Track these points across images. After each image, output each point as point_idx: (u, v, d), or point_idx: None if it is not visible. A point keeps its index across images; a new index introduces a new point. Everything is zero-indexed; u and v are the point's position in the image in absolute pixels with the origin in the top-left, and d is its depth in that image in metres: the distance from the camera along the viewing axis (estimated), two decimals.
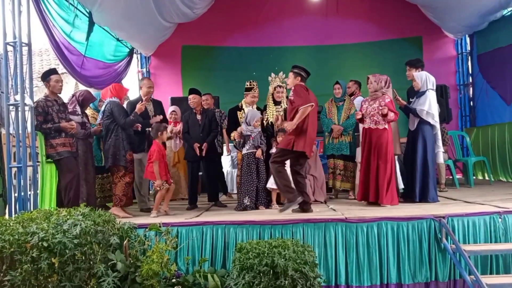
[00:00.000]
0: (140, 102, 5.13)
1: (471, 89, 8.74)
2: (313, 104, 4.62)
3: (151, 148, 4.93)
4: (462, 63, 8.83)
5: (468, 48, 8.73)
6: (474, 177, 7.47)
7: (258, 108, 5.61)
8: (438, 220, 4.12)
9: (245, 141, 5.19)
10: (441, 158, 5.34)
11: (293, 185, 4.68)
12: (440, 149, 5.28)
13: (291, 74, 4.84)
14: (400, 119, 5.58)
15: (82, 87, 6.75)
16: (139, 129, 5.19)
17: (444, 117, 6.62)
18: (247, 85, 5.52)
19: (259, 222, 4.23)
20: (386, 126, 5.00)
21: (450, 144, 7.13)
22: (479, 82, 8.32)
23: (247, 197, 5.10)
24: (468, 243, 4.12)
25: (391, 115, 4.97)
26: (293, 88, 4.77)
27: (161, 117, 5.49)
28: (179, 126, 6.05)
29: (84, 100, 5.22)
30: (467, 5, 7.21)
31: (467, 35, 8.60)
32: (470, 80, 8.72)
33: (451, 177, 6.82)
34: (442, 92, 6.91)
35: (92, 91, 5.82)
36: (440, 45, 8.83)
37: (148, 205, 5.42)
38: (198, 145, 5.45)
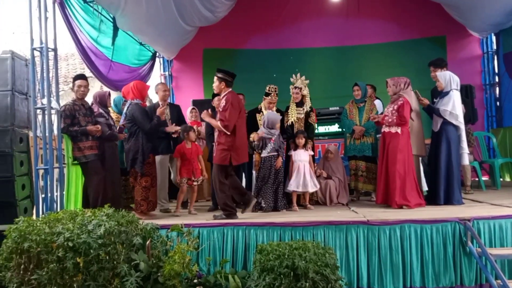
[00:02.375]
0: (161, 106, 5.21)
1: (497, 89, 8.51)
2: (229, 132, 4.59)
3: None
4: (487, 62, 8.61)
5: (494, 47, 8.50)
6: (501, 179, 7.27)
7: (278, 110, 5.62)
8: (463, 223, 4.03)
9: (266, 144, 5.19)
10: (466, 159, 5.22)
11: (231, 203, 4.67)
12: (465, 150, 5.16)
13: (215, 79, 4.80)
14: (424, 120, 5.49)
15: (106, 90, 6.88)
16: None
17: (470, 117, 6.48)
18: (266, 90, 5.53)
19: (280, 224, 4.23)
20: (398, 130, 4.98)
21: (476, 145, 6.97)
22: (505, 82, 8.09)
23: (262, 200, 5.10)
24: (495, 246, 4.02)
25: (388, 120, 5.02)
26: (223, 97, 4.72)
27: (176, 128, 5.52)
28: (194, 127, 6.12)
29: (100, 99, 5.20)
30: (493, 3, 7.04)
31: (492, 34, 8.38)
32: (496, 80, 8.50)
33: (477, 179, 6.67)
34: (467, 93, 6.77)
35: (116, 94, 5.93)
36: (464, 44, 8.64)
37: (165, 207, 5.52)
38: None
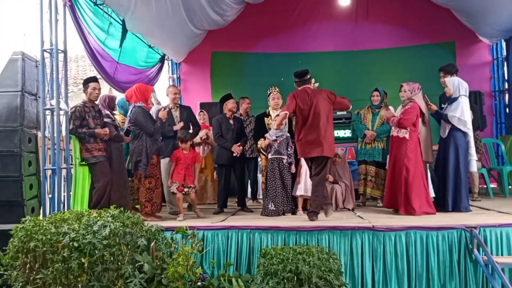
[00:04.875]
0: (163, 108, 5.25)
1: (506, 95, 8.43)
2: (286, 112, 4.67)
3: None
4: (497, 68, 8.53)
5: (504, 53, 8.43)
6: (509, 187, 7.17)
7: None
8: (470, 230, 3.99)
9: (271, 146, 5.20)
10: (474, 166, 5.16)
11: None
12: (473, 157, 5.11)
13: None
14: (433, 126, 5.46)
15: (115, 92, 6.94)
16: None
17: (478, 124, 6.44)
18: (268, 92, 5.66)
19: (285, 228, 4.22)
20: (406, 136, 4.93)
21: (484, 152, 6.91)
22: None
23: (271, 202, 5.11)
24: (502, 255, 3.97)
25: (394, 121, 5.02)
26: None
27: (181, 124, 5.56)
28: (204, 132, 6.13)
29: (110, 102, 5.25)
30: (503, 9, 6.97)
31: (502, 40, 8.32)
32: (506, 86, 8.42)
33: (485, 186, 6.60)
34: (476, 99, 6.73)
35: (122, 95, 5.97)
36: (474, 50, 8.58)
37: (175, 209, 5.49)
38: (239, 144, 5.54)
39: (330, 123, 4.74)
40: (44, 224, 3.55)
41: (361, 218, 4.73)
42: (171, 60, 9.06)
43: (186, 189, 5.03)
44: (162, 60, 8.51)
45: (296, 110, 4.71)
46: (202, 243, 4.10)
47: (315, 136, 4.61)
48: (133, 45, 7.11)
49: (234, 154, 5.52)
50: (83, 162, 4.84)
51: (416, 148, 4.99)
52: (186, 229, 4.08)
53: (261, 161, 6.54)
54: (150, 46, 7.81)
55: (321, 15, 8.84)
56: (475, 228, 3.99)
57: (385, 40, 8.75)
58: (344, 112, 7.19)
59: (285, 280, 3.19)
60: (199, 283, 3.77)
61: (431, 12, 8.37)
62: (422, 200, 4.89)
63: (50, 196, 4.79)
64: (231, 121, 5.72)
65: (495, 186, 7.26)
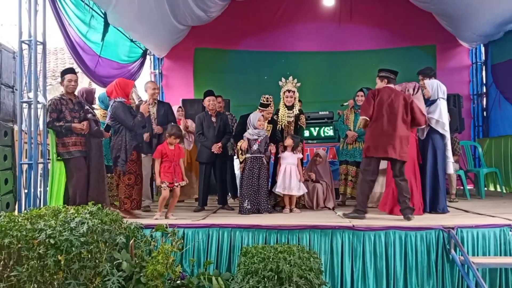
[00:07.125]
0: (144, 102, 5.16)
1: (484, 99, 8.64)
2: (365, 117, 4.70)
3: None
4: (476, 72, 8.73)
5: (483, 57, 8.63)
6: (486, 189, 7.36)
7: (271, 119, 5.57)
8: (447, 231, 4.06)
9: (251, 145, 5.19)
10: (450, 168, 5.24)
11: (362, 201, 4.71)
12: (450, 159, 5.21)
13: (377, 79, 4.89)
14: None
15: (95, 86, 6.80)
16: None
17: (456, 126, 6.55)
18: (263, 101, 5.43)
19: (266, 226, 4.21)
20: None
21: (461, 154, 7.05)
22: (492, 93, 8.22)
23: (247, 200, 5.10)
24: (477, 255, 4.05)
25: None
26: None
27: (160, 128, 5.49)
28: (183, 123, 6.08)
29: (87, 96, 5.16)
30: (483, 14, 7.13)
31: (482, 45, 8.52)
32: (484, 90, 8.62)
33: (462, 187, 6.73)
34: (454, 102, 6.86)
35: (102, 90, 5.87)
36: (454, 54, 8.76)
37: (146, 203, 5.43)
38: (219, 144, 5.48)
39: (406, 125, 4.65)
40: (20, 220, 3.47)
41: (341, 217, 4.76)
42: (153, 55, 8.94)
43: (176, 184, 4.77)
44: (144, 55, 8.39)
45: (374, 108, 4.65)
46: (182, 241, 4.07)
47: (381, 135, 4.61)
48: (116, 39, 6.98)
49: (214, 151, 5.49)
50: (60, 157, 4.74)
51: None
52: (166, 227, 4.04)
53: (237, 159, 6.54)
54: (132, 41, 7.69)
55: (305, 15, 8.88)
56: (452, 228, 4.06)
57: (367, 42, 8.85)
58: (327, 112, 7.24)
59: (265, 279, 3.18)
60: (178, 282, 3.73)
61: (413, 15, 8.49)
62: None
63: (26, 191, 4.67)
64: (213, 118, 5.67)
65: (472, 187, 7.42)
